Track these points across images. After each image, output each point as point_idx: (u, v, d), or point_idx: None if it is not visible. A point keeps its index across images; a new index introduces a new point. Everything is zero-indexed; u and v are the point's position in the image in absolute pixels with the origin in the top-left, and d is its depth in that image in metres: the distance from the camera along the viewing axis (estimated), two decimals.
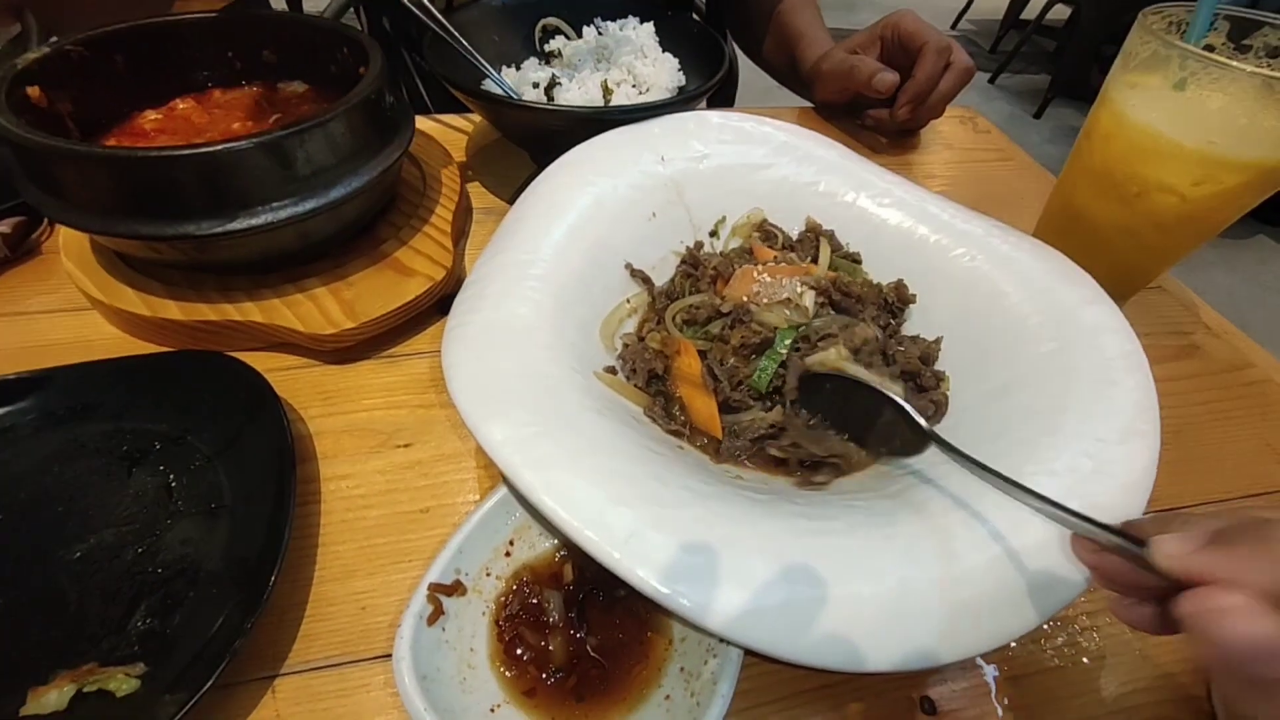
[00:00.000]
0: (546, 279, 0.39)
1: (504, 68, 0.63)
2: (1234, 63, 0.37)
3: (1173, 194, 0.42)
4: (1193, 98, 0.39)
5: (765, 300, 0.40)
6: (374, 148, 0.44)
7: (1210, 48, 0.44)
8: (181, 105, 0.50)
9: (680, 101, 0.51)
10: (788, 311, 0.39)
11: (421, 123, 0.66)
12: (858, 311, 0.41)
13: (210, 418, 0.38)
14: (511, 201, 0.54)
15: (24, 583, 0.31)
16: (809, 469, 0.36)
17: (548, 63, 0.65)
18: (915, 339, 0.42)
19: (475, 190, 0.59)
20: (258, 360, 0.41)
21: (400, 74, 0.87)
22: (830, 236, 0.48)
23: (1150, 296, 0.55)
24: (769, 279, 0.41)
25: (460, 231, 0.54)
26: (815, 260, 0.46)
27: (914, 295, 0.44)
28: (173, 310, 0.42)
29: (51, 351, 0.42)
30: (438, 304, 0.47)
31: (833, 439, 0.36)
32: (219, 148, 0.36)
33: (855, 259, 0.47)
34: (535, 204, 0.44)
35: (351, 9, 0.92)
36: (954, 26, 4.12)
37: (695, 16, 0.98)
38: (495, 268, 0.39)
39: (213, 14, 0.50)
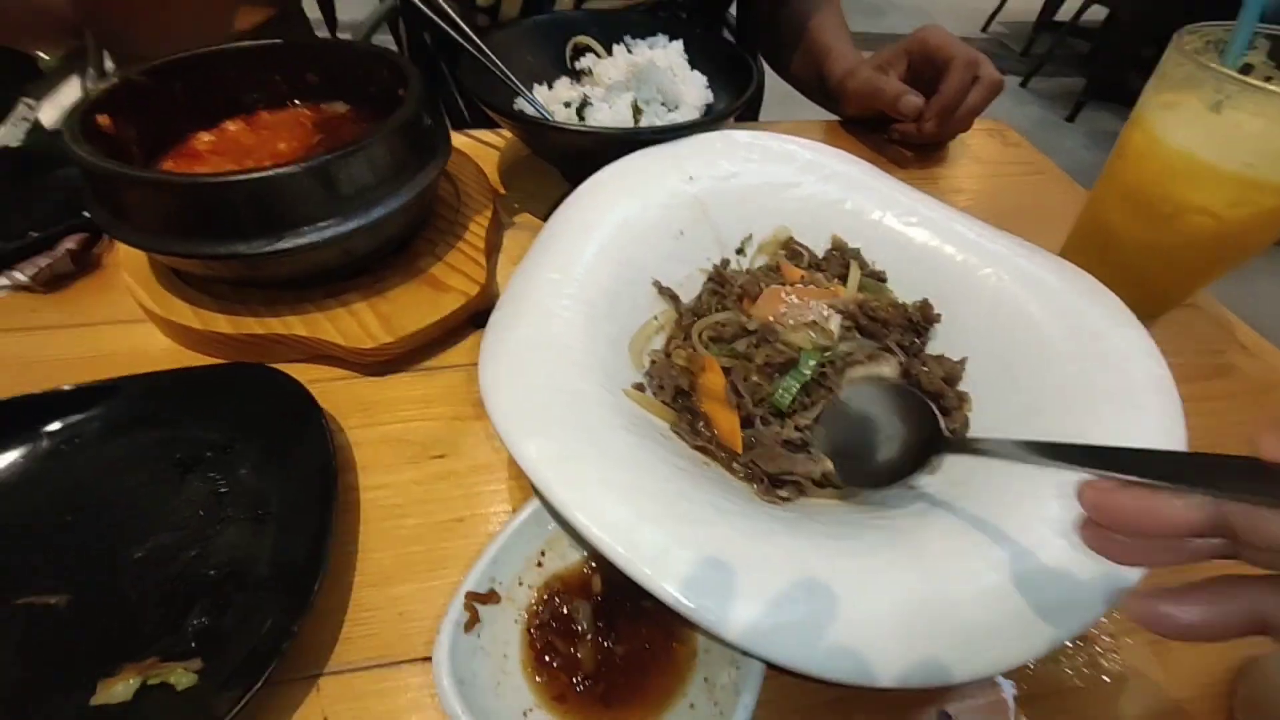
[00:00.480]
0: (578, 297, 0.41)
1: (536, 86, 0.65)
2: (1271, 86, 0.37)
3: (1208, 215, 0.42)
4: (1229, 120, 0.39)
5: (791, 321, 0.41)
6: (412, 168, 0.46)
7: (1249, 67, 0.44)
8: (231, 127, 0.53)
9: (707, 121, 0.52)
10: (813, 334, 0.40)
11: (456, 139, 0.68)
12: (884, 335, 0.42)
13: (257, 428, 0.40)
14: (544, 218, 0.56)
15: (92, 581, 0.33)
16: (775, 484, 0.36)
17: (579, 80, 0.66)
18: (940, 359, 0.42)
19: (508, 205, 0.61)
20: (300, 372, 0.43)
21: (439, 86, 0.90)
22: (857, 255, 0.48)
23: (1183, 314, 0.54)
24: (796, 300, 0.41)
25: (493, 247, 0.56)
26: (843, 279, 0.47)
27: (939, 315, 0.44)
28: (222, 324, 0.44)
29: (111, 361, 0.45)
30: (472, 318, 0.48)
31: (799, 459, 0.36)
32: (269, 173, 0.38)
33: (881, 277, 0.48)
34: (566, 223, 0.45)
35: (385, 24, 0.95)
36: (985, 29, 4.07)
37: (726, 33, 0.99)
38: (529, 286, 0.40)
39: (262, 43, 0.53)
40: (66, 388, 0.40)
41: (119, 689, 0.28)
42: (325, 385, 0.44)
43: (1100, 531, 0.22)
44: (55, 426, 0.39)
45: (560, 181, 0.61)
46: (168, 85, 0.48)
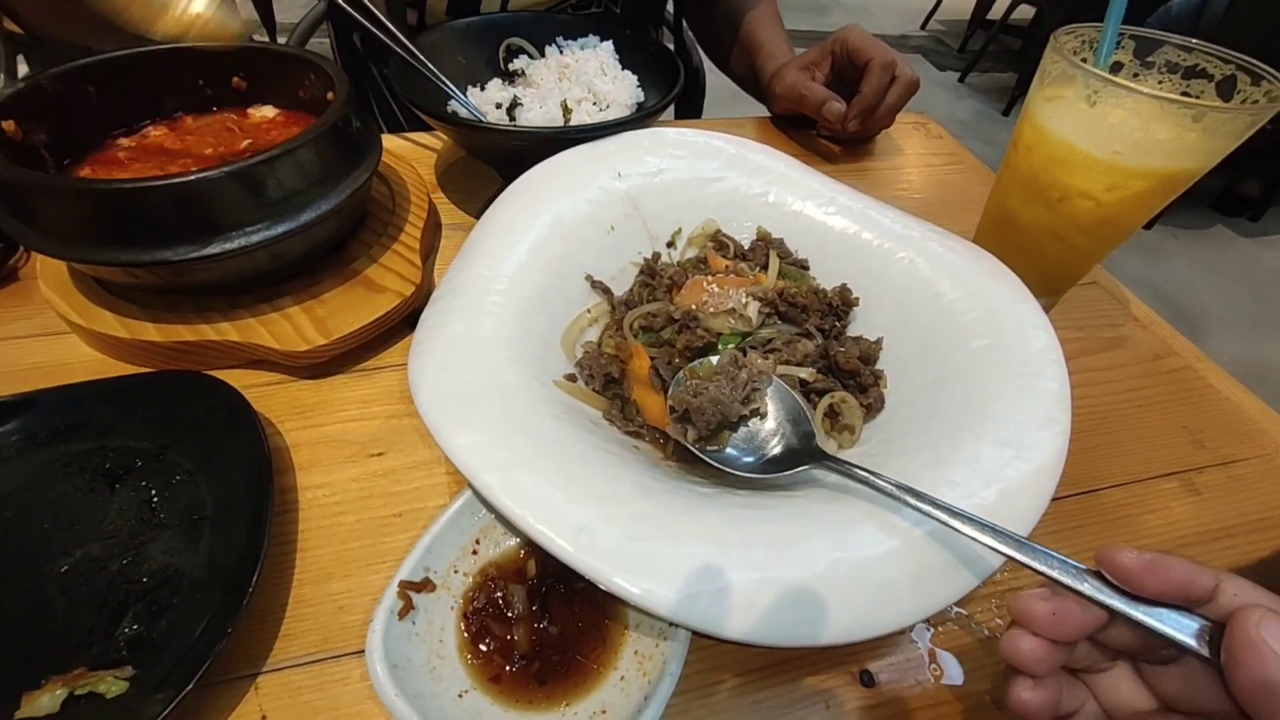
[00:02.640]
0: (509, 293, 0.42)
1: (469, 88, 0.65)
2: (1130, 84, 0.40)
3: (1089, 199, 0.46)
4: (1100, 112, 0.43)
5: (713, 309, 0.43)
6: (342, 171, 0.46)
7: (1119, 65, 0.48)
8: (154, 132, 0.52)
9: (636, 119, 0.54)
10: (732, 320, 0.42)
11: (390, 141, 0.68)
12: (802, 320, 0.44)
13: (190, 434, 0.40)
14: (478, 218, 0.57)
15: (13, 595, 0.32)
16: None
17: (512, 82, 0.67)
18: (858, 340, 0.45)
19: (444, 206, 0.61)
20: (235, 378, 0.43)
21: (371, 89, 0.90)
22: (779, 245, 0.51)
23: (1084, 291, 0.58)
24: (717, 289, 0.43)
25: (429, 247, 0.56)
26: (766, 268, 0.49)
27: (857, 299, 0.47)
28: (151, 332, 0.43)
29: (32, 375, 0.44)
30: (408, 319, 0.49)
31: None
32: (193, 177, 0.38)
33: (803, 265, 0.50)
34: (497, 222, 0.46)
35: (324, 24, 0.94)
36: (924, 27, 4.21)
37: (664, 27, 1.01)
38: (459, 284, 0.41)
39: (182, 45, 0.52)
40: None
41: (44, 701, 0.28)
42: (261, 390, 0.44)
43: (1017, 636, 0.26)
44: None
45: (496, 180, 0.62)
46: (80, 89, 0.47)
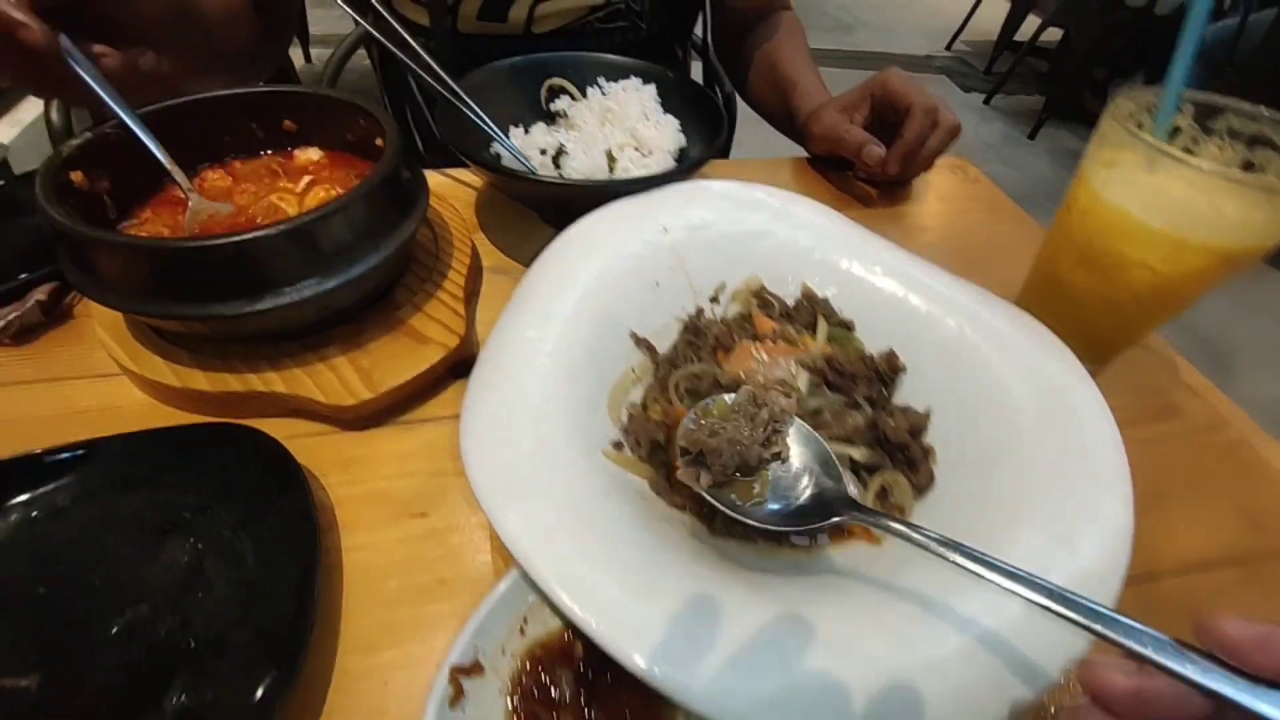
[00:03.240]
0: (556, 354, 0.42)
1: (512, 128, 0.66)
2: (1191, 159, 0.39)
3: (1146, 269, 0.45)
4: (1160, 182, 0.42)
5: (762, 378, 0.42)
6: (392, 222, 0.46)
7: (1177, 130, 0.47)
8: (210, 175, 0.53)
9: (680, 172, 0.54)
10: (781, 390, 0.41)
11: (433, 179, 0.69)
12: (851, 389, 0.43)
13: (237, 489, 0.40)
14: (522, 261, 0.57)
15: (66, 660, 0.33)
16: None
17: (553, 123, 0.67)
18: (906, 411, 0.44)
19: (483, 247, 0.61)
20: (280, 426, 0.44)
21: (410, 106, 0.90)
22: (824, 305, 0.50)
23: (1131, 355, 0.57)
24: (766, 357, 0.43)
25: (472, 292, 0.56)
26: (812, 329, 0.49)
27: (904, 365, 0.46)
28: (200, 381, 0.44)
29: (84, 419, 0.45)
30: (452, 368, 0.49)
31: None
32: (249, 236, 0.39)
33: (849, 326, 0.50)
34: (543, 277, 0.46)
35: (368, 44, 0.95)
36: (948, 47, 4.19)
37: (694, 53, 1.01)
38: (507, 344, 0.41)
39: (241, 91, 0.53)
40: (38, 451, 0.39)
41: None
42: (305, 441, 0.44)
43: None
44: (26, 496, 0.38)
45: (536, 222, 0.62)
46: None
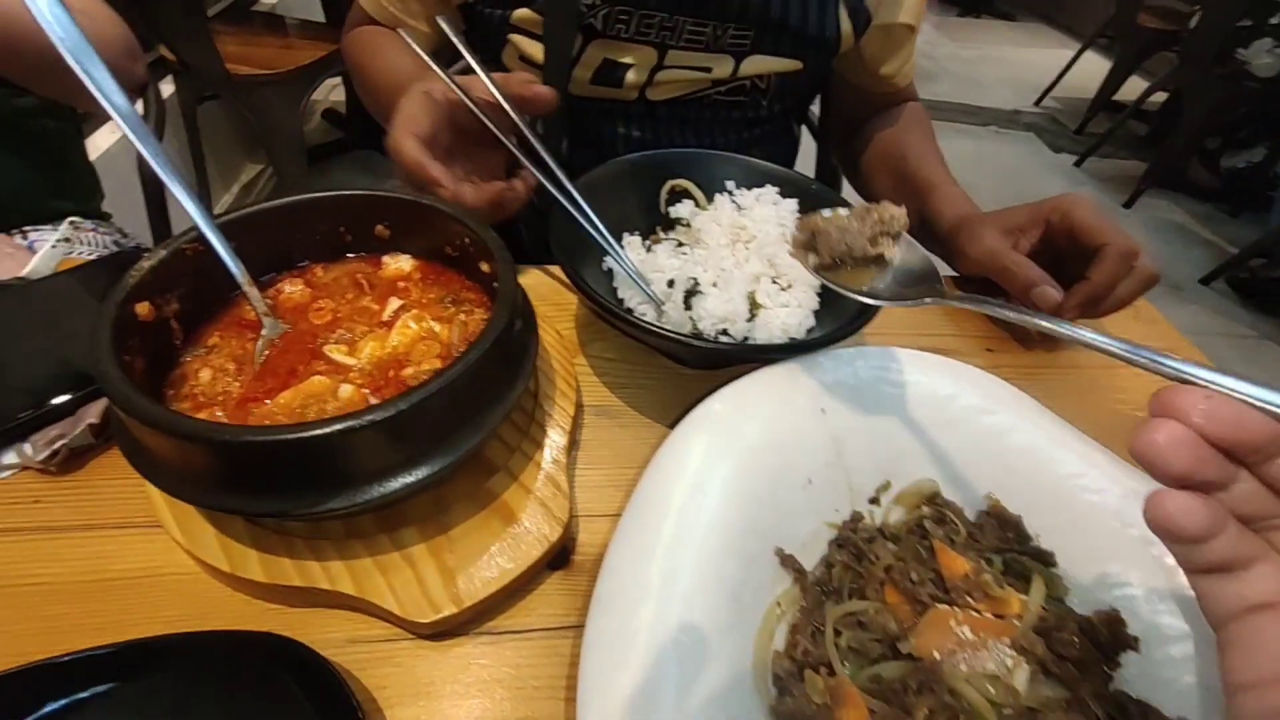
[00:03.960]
0: (691, 599, 0.33)
1: (626, 236, 0.57)
2: None
3: None
4: None
5: (964, 664, 0.32)
6: (498, 390, 0.38)
7: None
8: (287, 288, 0.46)
9: (845, 332, 0.44)
10: (992, 688, 0.31)
11: (526, 277, 0.61)
12: (1075, 683, 0.33)
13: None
14: (636, 408, 0.48)
15: None
16: None
17: (672, 228, 0.59)
18: (1143, 708, 0.33)
19: (585, 377, 0.53)
20: (339, 625, 0.36)
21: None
22: (1016, 527, 0.40)
23: None
24: (969, 634, 0.33)
25: (571, 442, 0.48)
26: (1000, 552, 0.38)
27: (1136, 638, 0.35)
28: (255, 568, 0.36)
29: (114, 591, 0.37)
30: (549, 562, 0.40)
31: None
32: (328, 430, 0.31)
33: (1049, 560, 0.39)
34: (674, 477, 0.37)
35: None
36: (1038, 103, 4.01)
37: (807, 131, 0.92)
38: (636, 585, 0.32)
39: (334, 194, 0.46)
40: (63, 659, 0.32)
41: None
42: (367, 651, 0.36)
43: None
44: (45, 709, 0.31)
45: (652, 356, 0.53)
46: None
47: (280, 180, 2.02)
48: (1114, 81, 3.58)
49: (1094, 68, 3.86)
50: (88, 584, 0.37)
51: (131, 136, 0.38)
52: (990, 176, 3.20)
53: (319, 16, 2.27)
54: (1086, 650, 0.34)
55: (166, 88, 1.77)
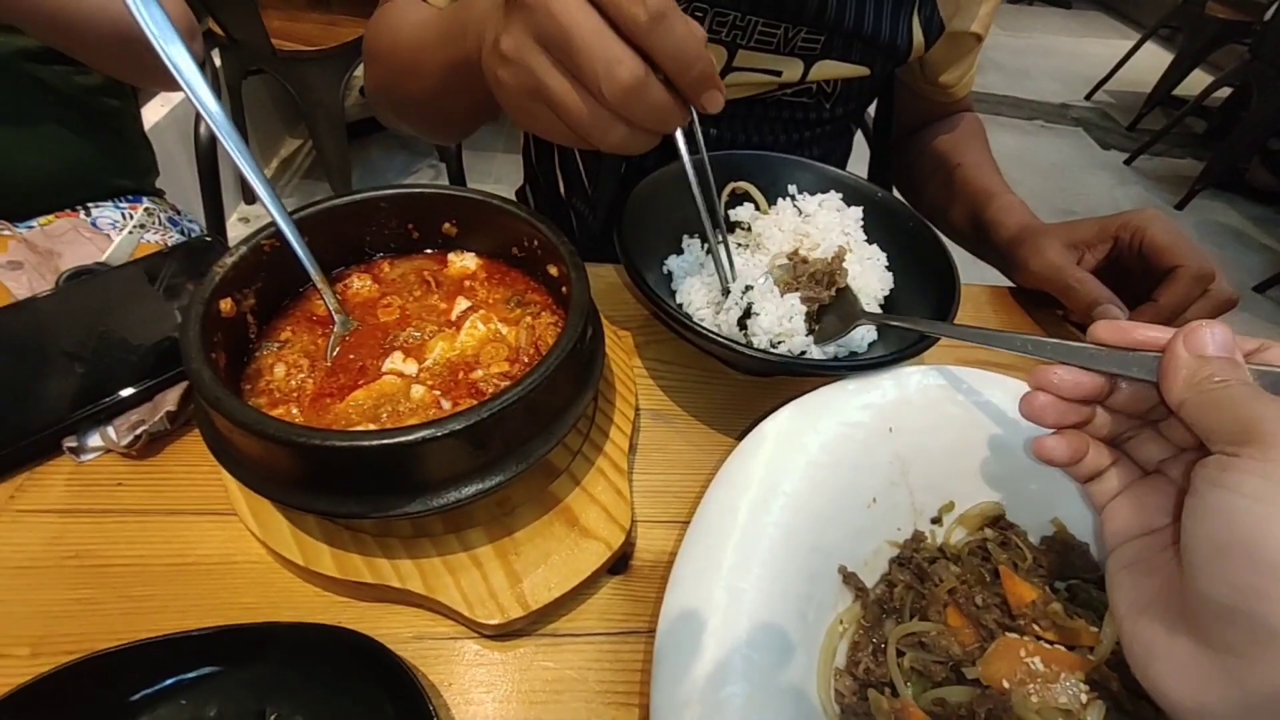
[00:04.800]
0: (757, 615, 0.33)
1: (685, 237, 0.57)
2: None
3: None
4: None
5: (1035, 697, 0.32)
6: (568, 398, 0.38)
7: None
8: (355, 283, 0.47)
9: (916, 349, 0.43)
10: None
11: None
12: (1152, 718, 0.32)
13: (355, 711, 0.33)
14: (693, 414, 0.48)
15: None
16: None
17: (732, 231, 0.58)
18: None
19: (641, 380, 0.53)
20: (407, 620, 0.38)
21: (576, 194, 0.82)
22: (1082, 554, 0.39)
23: None
24: (1040, 667, 0.32)
25: (630, 445, 0.48)
26: (1064, 576, 0.38)
27: None
28: (327, 563, 0.37)
29: (195, 574, 0.39)
30: (609, 566, 0.41)
31: None
32: (410, 438, 0.31)
33: None
34: (739, 493, 0.37)
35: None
36: (1089, 97, 3.86)
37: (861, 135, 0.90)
38: (703, 600, 0.33)
39: (404, 190, 0.46)
40: (148, 641, 0.33)
41: None
42: (432, 648, 0.37)
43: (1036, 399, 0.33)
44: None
45: (713, 363, 0.53)
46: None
47: (320, 155, 2.04)
48: (1176, 75, 3.42)
49: (1152, 60, 3.70)
50: (171, 568, 0.39)
51: (216, 129, 0.38)
52: (1034, 173, 3.10)
53: None
54: None
55: (213, 61, 1.80)
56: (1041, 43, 4.47)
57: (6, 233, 0.75)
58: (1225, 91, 3.21)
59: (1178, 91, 3.42)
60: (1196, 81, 3.21)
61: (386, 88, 0.62)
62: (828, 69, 0.65)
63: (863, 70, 0.66)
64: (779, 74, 0.64)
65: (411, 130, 0.67)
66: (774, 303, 0.47)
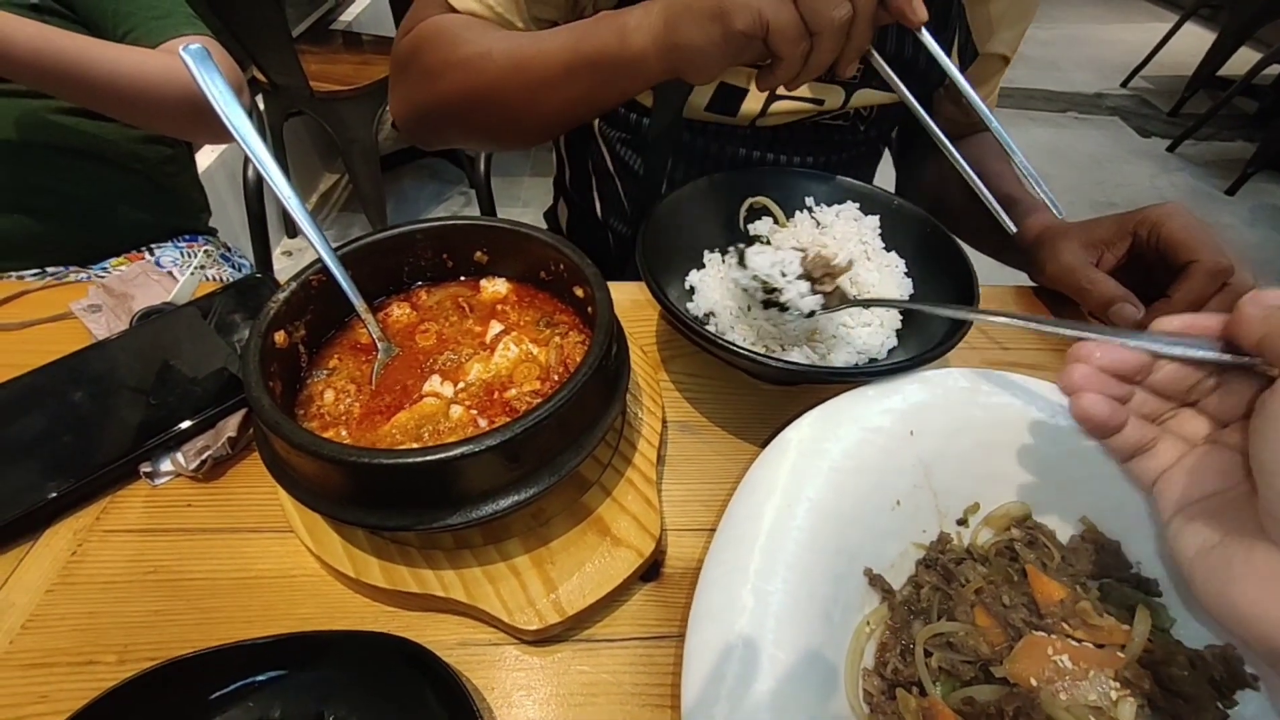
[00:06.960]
0: (783, 618, 0.34)
1: (706, 252, 0.59)
2: None
3: None
4: None
5: (1063, 694, 0.32)
6: (596, 413, 0.40)
7: None
8: (395, 311, 0.50)
9: (936, 353, 0.44)
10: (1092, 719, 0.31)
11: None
12: (1187, 717, 0.32)
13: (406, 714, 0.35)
14: (717, 423, 0.50)
15: None
16: None
17: (750, 244, 0.60)
18: None
19: (667, 392, 0.55)
20: (451, 628, 0.40)
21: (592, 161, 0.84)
22: (1115, 553, 0.39)
23: None
24: (1069, 664, 0.33)
25: (658, 456, 0.50)
26: (1096, 577, 0.38)
27: (1254, 676, 0.34)
28: (376, 574, 0.40)
29: (258, 588, 0.42)
30: (641, 573, 0.42)
31: None
32: (451, 454, 0.34)
33: (1151, 589, 0.38)
34: (764, 499, 0.38)
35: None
36: (1125, 84, 3.74)
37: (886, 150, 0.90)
38: (730, 604, 0.34)
39: (439, 224, 0.49)
40: (220, 647, 0.36)
41: None
42: (475, 653, 0.39)
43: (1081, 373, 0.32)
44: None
45: (736, 374, 0.55)
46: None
47: (356, 188, 2.13)
48: (1220, 54, 3.28)
49: (1192, 42, 3.57)
50: (236, 581, 0.42)
51: (269, 179, 0.42)
52: (1070, 167, 3.02)
53: (391, 31, 2.38)
54: (1199, 686, 0.33)
55: (258, 106, 1.90)
56: (1070, 32, 4.36)
57: (84, 278, 0.82)
58: (1277, 69, 3.07)
59: (1223, 72, 3.30)
60: (1243, 60, 3.09)
61: (444, 99, 0.61)
62: (867, 96, 0.66)
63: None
64: (821, 102, 0.65)
65: (459, 141, 0.70)
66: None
